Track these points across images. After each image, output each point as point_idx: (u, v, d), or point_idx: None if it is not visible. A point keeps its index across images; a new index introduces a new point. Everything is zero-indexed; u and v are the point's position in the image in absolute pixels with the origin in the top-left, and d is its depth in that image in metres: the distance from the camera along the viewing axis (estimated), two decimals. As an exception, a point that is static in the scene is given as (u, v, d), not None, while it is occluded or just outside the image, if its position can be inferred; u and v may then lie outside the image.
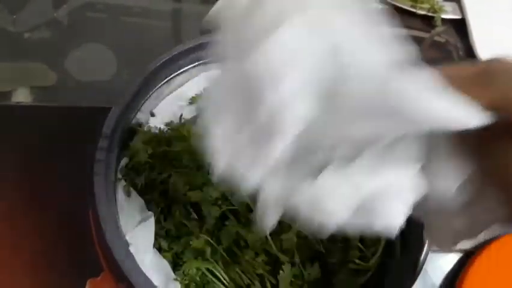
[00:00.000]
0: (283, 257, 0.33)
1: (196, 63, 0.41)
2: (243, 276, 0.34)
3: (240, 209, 0.34)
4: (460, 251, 0.47)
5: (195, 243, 0.33)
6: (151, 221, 0.34)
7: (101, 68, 0.51)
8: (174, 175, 0.34)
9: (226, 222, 0.34)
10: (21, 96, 0.48)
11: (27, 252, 0.39)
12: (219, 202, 0.35)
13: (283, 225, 0.34)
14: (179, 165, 0.34)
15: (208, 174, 0.35)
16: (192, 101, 0.40)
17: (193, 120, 0.39)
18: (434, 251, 0.46)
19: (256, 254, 0.33)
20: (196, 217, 0.35)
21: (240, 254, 0.34)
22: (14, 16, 0.53)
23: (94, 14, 0.54)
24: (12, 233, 0.40)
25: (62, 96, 0.49)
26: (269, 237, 0.33)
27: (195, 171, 0.34)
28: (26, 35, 0.52)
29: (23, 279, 0.38)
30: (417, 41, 0.60)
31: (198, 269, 0.34)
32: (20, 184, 0.41)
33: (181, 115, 0.39)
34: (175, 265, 0.34)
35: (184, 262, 0.33)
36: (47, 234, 0.40)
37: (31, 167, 0.43)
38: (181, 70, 0.41)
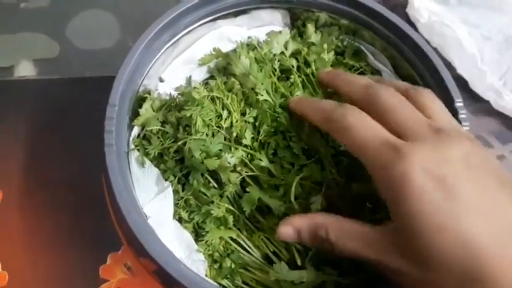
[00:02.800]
0: (309, 222, 0.31)
1: (203, 21, 0.38)
2: (269, 243, 0.33)
3: (260, 174, 0.33)
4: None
5: (216, 211, 0.31)
6: (169, 192, 0.32)
7: (104, 35, 0.49)
8: (189, 142, 0.31)
9: (247, 189, 0.32)
10: (24, 70, 0.46)
11: (44, 230, 0.38)
12: (238, 168, 0.33)
13: (308, 189, 0.32)
14: (194, 131, 0.32)
15: (225, 139, 0.33)
16: (202, 62, 0.37)
17: (205, 82, 0.37)
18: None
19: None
20: (215, 185, 0.33)
21: (264, 221, 0.32)
22: (9, -15, 0.50)
23: (92, -23, 0.51)
24: (27, 212, 0.39)
25: (65, 67, 0.46)
26: (294, 202, 0.31)
27: (211, 137, 0.32)
28: (23, 5, 0.49)
29: (44, 257, 0.37)
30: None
31: (221, 238, 0.32)
32: (29, 161, 0.39)
33: (190, 77, 0.37)
34: (197, 235, 0.32)
35: (206, 232, 0.32)
36: (62, 210, 0.39)
37: (39, 143, 0.41)
38: (187, 30, 0.38)
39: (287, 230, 0.28)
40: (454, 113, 0.35)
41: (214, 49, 0.37)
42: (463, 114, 0.34)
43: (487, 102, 0.49)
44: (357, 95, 0.29)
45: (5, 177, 0.40)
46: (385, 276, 0.27)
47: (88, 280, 0.37)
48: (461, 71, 0.49)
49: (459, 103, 0.35)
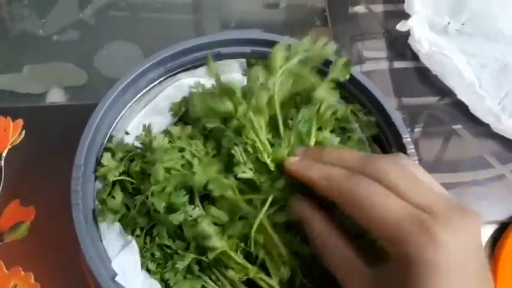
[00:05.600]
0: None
1: (164, 77, 0.40)
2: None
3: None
4: (496, 222, 0.47)
5: (181, 264, 0.32)
6: (134, 245, 0.33)
7: (128, 64, 0.53)
8: (151, 197, 0.32)
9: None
10: (55, 97, 0.50)
11: (76, 243, 0.35)
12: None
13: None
14: (154, 182, 0.32)
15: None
16: (173, 112, 0.39)
17: (164, 131, 0.37)
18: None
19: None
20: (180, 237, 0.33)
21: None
22: (43, 20, 0.54)
23: (117, 12, 0.56)
24: (58, 227, 0.41)
25: (93, 94, 0.50)
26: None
27: (173, 190, 0.32)
28: (55, 38, 0.54)
29: (74, 269, 0.37)
30: None
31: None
32: (60, 179, 0.37)
33: (149, 125, 0.37)
34: (167, 285, 0.33)
35: (174, 283, 0.32)
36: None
37: (69, 161, 0.38)
38: (149, 86, 0.40)
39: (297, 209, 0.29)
40: (403, 148, 0.37)
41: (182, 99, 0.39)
42: (411, 149, 0.36)
43: (487, 125, 0.51)
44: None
45: (38, 194, 0.44)
46: None
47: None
48: (461, 96, 0.52)
49: (406, 139, 0.37)
